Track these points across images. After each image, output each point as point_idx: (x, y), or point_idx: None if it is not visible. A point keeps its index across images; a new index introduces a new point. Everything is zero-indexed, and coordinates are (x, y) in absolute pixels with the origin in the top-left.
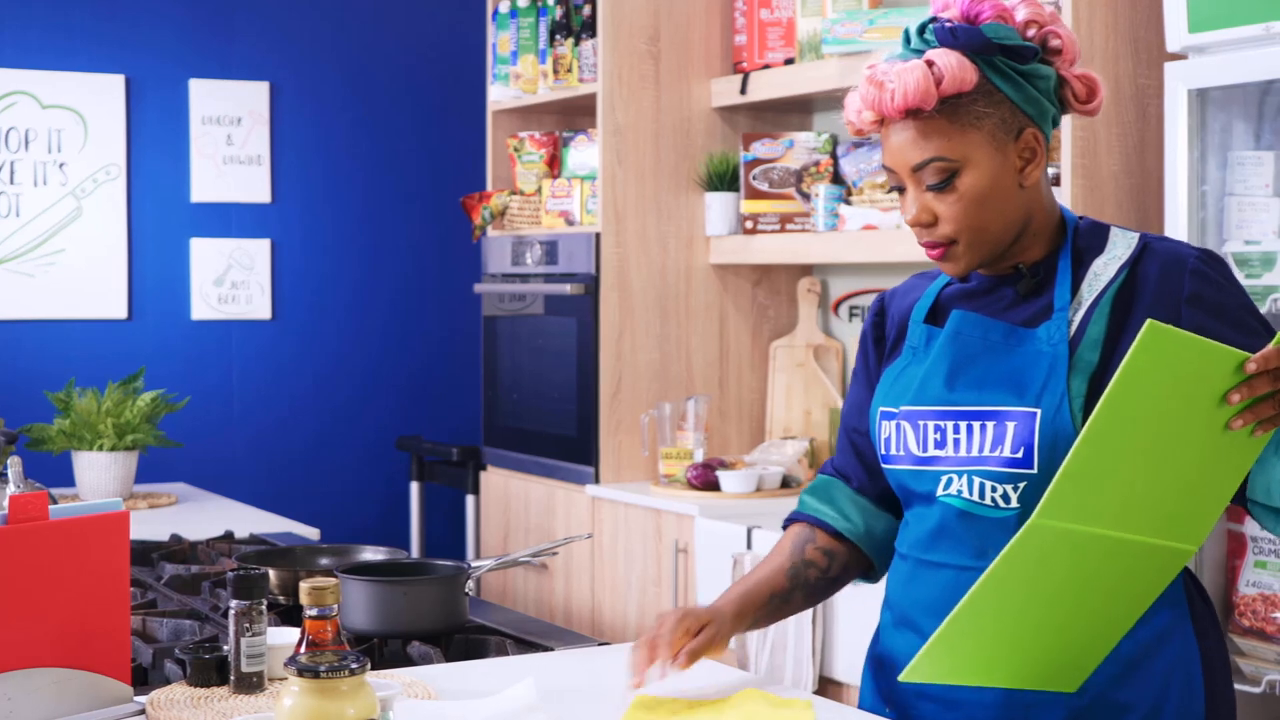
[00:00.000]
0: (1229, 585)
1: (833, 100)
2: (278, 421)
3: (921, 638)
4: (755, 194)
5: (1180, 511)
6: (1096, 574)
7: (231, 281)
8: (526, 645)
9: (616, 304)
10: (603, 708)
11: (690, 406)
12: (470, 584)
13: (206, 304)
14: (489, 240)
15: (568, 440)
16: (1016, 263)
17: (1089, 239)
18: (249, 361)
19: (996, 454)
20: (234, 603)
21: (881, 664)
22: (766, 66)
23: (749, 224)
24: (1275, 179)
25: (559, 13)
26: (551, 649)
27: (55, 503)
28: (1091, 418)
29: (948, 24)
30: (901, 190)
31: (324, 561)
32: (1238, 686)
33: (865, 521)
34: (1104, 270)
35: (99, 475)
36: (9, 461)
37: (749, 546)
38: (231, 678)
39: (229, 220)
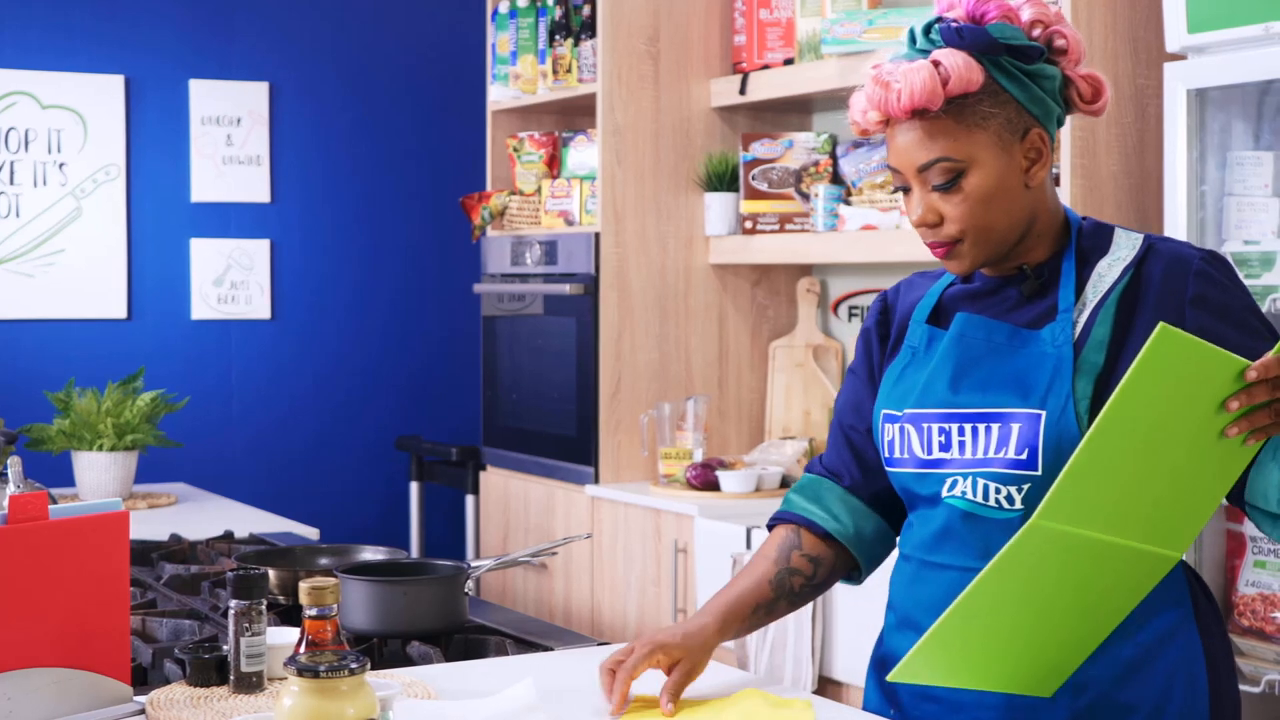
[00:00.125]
0: (1228, 585)
1: (832, 100)
2: (277, 421)
3: None
4: (754, 194)
5: (1168, 517)
6: (1086, 578)
7: (231, 281)
8: (526, 645)
9: (616, 304)
10: (602, 708)
11: (690, 406)
12: (470, 584)
13: (206, 304)
14: (488, 240)
15: (567, 440)
16: (1021, 264)
17: (1093, 240)
18: (248, 361)
19: (1001, 455)
20: (234, 603)
21: (885, 665)
22: (766, 67)
23: (748, 224)
24: (1274, 179)
25: (558, 13)
26: (551, 649)
27: (55, 503)
28: (1099, 419)
29: (953, 24)
30: (906, 190)
31: (323, 561)
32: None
33: (855, 522)
34: (1108, 272)
35: (99, 475)
36: (9, 461)
37: (748, 546)
38: (231, 678)
39: (228, 220)
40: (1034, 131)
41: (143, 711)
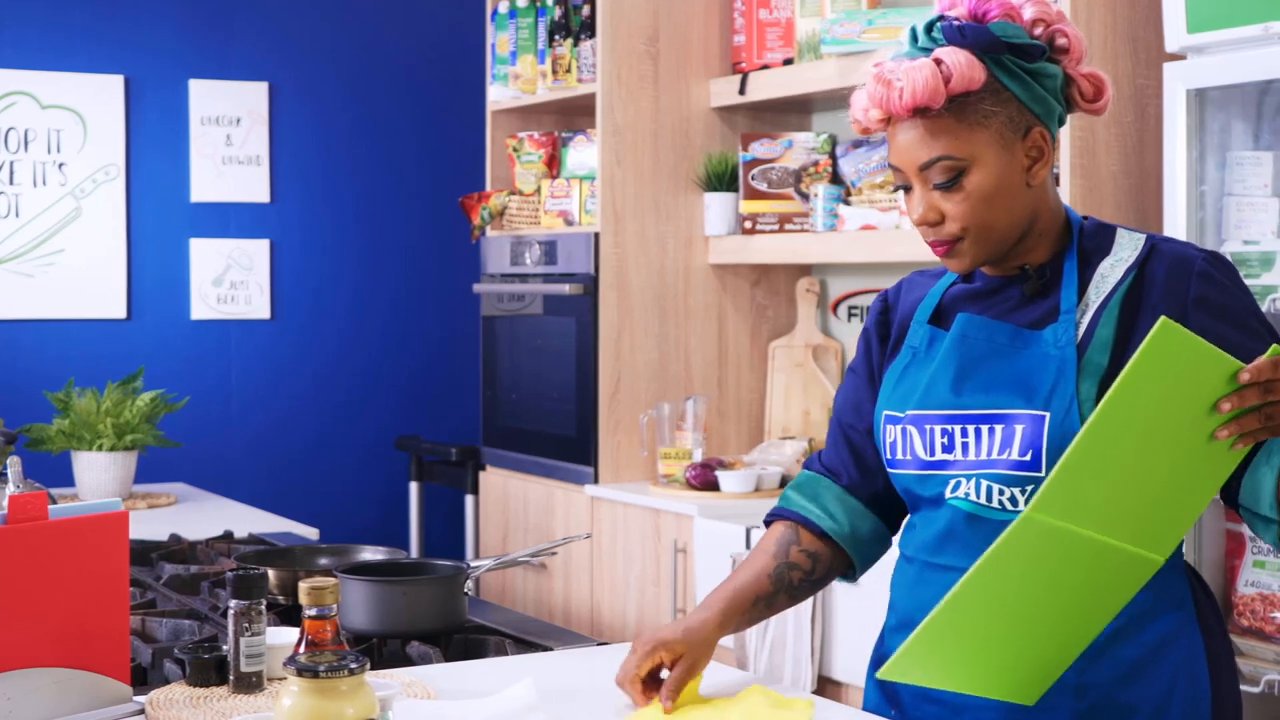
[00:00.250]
0: (1228, 585)
1: (831, 100)
2: (277, 421)
3: None
4: (754, 194)
5: (1156, 519)
6: (1074, 578)
7: (230, 281)
8: (526, 645)
9: (615, 304)
10: (602, 708)
11: (689, 406)
12: (469, 584)
13: (206, 304)
14: (488, 240)
15: (567, 440)
16: (1022, 263)
17: (1095, 240)
18: (248, 361)
19: (1005, 457)
20: (233, 603)
21: None
22: (765, 67)
23: (748, 224)
24: (1274, 179)
25: (558, 13)
26: (550, 649)
27: (55, 503)
28: (1097, 410)
29: (955, 22)
30: (907, 189)
31: (323, 561)
32: None
33: (851, 521)
34: (1111, 272)
35: (98, 475)
36: (8, 461)
37: (748, 546)
38: (231, 678)
39: (228, 220)
40: (1036, 130)
41: (142, 711)
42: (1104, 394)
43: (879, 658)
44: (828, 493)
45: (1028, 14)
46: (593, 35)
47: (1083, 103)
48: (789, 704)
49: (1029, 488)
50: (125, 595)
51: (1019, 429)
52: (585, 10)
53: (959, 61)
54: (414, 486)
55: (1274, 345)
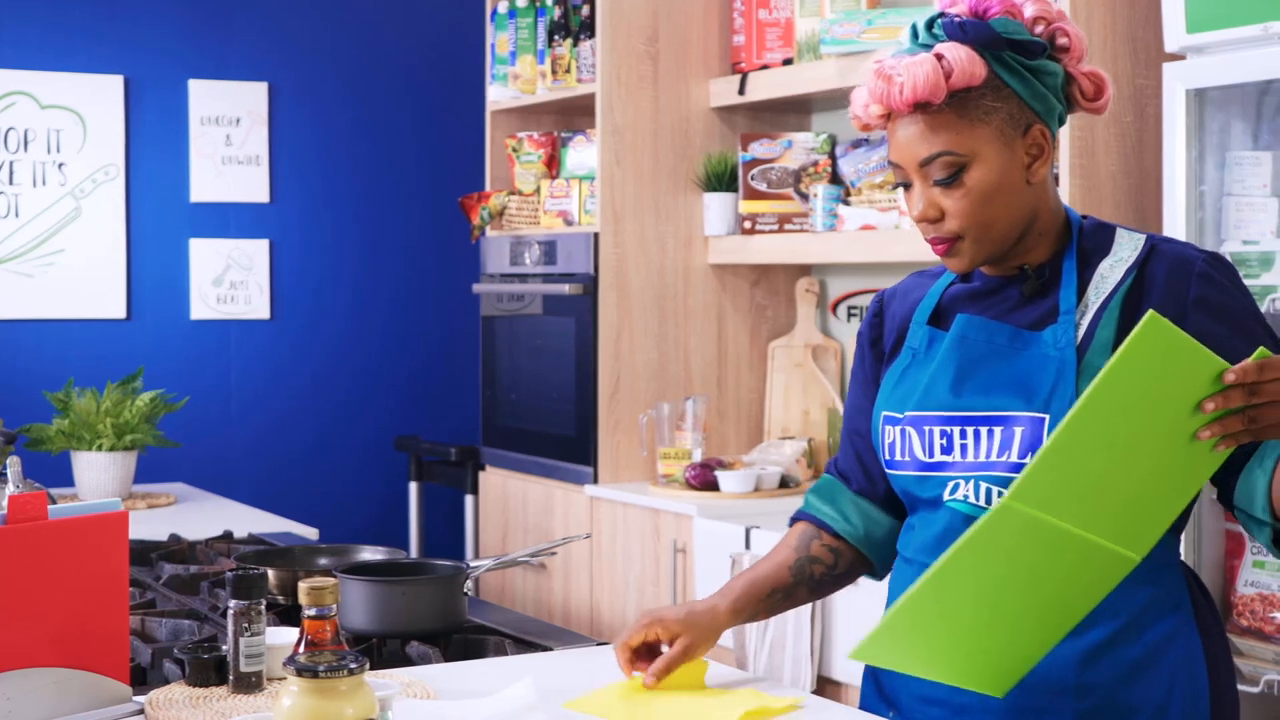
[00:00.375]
0: (1227, 585)
1: (831, 100)
2: (276, 421)
3: None
4: (753, 194)
5: (1133, 516)
6: (1049, 571)
7: (230, 281)
8: (525, 645)
9: (615, 304)
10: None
11: (689, 406)
12: (469, 584)
13: (205, 304)
14: (487, 240)
15: (566, 440)
16: (1022, 263)
17: (1094, 240)
18: (248, 361)
19: (1004, 459)
20: (233, 603)
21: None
22: (765, 67)
23: (747, 224)
24: (1273, 179)
25: (557, 13)
26: (550, 649)
27: (54, 503)
28: (1079, 401)
29: (956, 18)
30: (907, 186)
31: (323, 561)
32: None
33: (865, 525)
34: (1110, 273)
35: (98, 475)
36: (8, 461)
37: (747, 546)
38: (230, 678)
39: (228, 220)
40: (1036, 127)
41: (142, 711)
42: None
43: None
44: (842, 496)
45: (1029, 11)
46: (592, 35)
47: (1083, 101)
48: (776, 702)
49: None
50: (125, 595)
51: (1018, 431)
52: (585, 10)
53: (960, 57)
54: (413, 486)
55: (1261, 348)
